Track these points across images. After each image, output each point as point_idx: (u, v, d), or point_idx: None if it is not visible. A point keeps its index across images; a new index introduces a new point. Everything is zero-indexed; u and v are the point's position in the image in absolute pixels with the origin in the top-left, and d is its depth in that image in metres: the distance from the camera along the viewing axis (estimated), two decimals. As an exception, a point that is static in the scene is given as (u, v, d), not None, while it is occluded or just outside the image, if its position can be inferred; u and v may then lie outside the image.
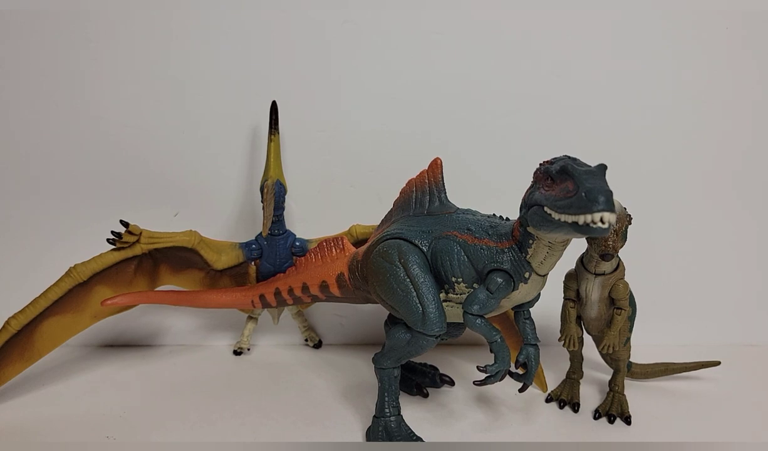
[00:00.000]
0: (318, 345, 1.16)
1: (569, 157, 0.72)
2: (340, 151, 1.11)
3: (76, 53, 1.05)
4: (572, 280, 0.91)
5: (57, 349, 0.95)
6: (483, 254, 0.79)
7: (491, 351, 0.80)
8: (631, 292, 0.89)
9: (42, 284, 0.91)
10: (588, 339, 0.96)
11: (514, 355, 0.88)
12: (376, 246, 0.86)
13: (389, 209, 0.92)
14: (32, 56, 1.05)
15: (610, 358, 0.95)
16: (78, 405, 0.88)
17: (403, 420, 0.85)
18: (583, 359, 0.98)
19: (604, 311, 0.90)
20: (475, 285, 0.80)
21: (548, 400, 0.97)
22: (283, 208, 1.03)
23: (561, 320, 0.94)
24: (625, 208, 0.85)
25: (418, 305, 0.80)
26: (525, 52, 1.09)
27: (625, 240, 0.85)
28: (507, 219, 0.82)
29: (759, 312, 1.19)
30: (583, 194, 0.65)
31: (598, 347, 0.94)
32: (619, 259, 0.88)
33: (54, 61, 1.05)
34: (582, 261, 0.89)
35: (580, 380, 0.98)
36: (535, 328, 0.86)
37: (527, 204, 0.74)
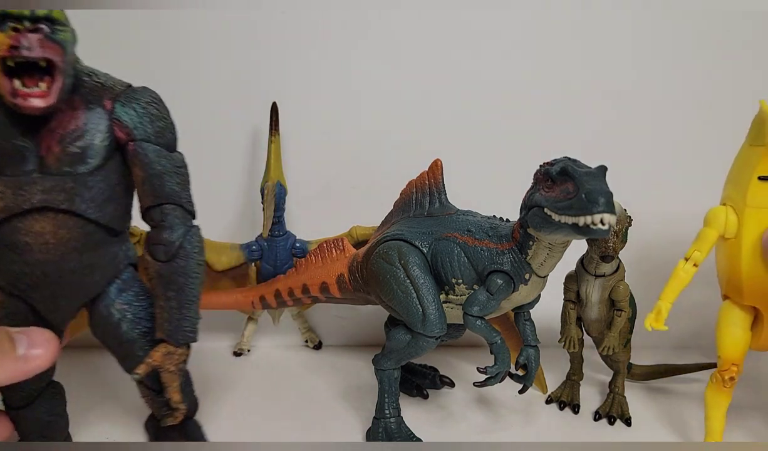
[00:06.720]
0: (318, 346, 1.16)
1: (569, 158, 0.72)
2: (340, 153, 1.11)
3: (78, 54, 1.05)
4: (572, 281, 0.91)
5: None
6: (483, 255, 0.79)
7: (491, 352, 0.80)
8: (631, 293, 0.89)
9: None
10: (588, 341, 0.96)
11: (515, 356, 0.88)
12: (376, 247, 0.86)
13: (389, 211, 0.92)
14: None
15: (610, 359, 0.95)
16: (77, 406, 0.88)
17: (403, 421, 0.85)
18: (583, 361, 0.98)
19: (604, 312, 0.90)
20: (476, 286, 0.80)
21: (548, 401, 0.97)
22: (284, 210, 1.03)
23: (561, 322, 0.94)
24: (625, 210, 0.85)
25: (418, 306, 0.80)
26: (526, 55, 1.09)
27: (625, 242, 0.85)
28: (507, 220, 0.82)
29: (759, 314, 1.19)
30: (584, 196, 0.65)
31: (598, 348, 0.94)
32: (620, 260, 0.88)
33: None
34: (582, 263, 0.89)
35: (581, 382, 0.98)
36: (535, 329, 0.86)
37: (527, 206, 0.74)
